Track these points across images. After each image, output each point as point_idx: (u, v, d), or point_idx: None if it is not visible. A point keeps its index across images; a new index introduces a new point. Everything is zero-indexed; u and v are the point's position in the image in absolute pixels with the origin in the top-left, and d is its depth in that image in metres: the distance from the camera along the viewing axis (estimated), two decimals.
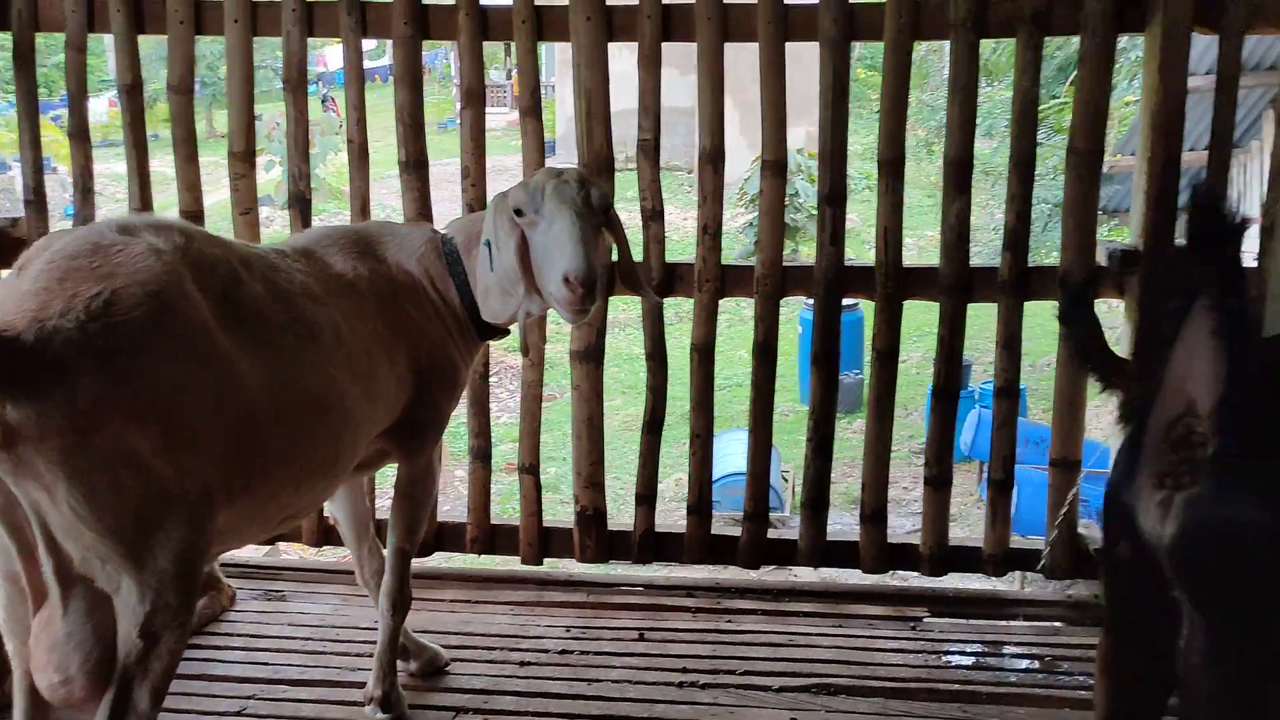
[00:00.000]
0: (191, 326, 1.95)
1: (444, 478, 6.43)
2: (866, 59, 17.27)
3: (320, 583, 3.40)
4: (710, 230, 3.25)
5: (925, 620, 3.25)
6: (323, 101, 19.57)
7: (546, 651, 3.01)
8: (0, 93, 16.25)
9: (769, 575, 3.85)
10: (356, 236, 2.54)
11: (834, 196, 3.22)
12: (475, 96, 3.23)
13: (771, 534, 3.45)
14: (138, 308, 1.85)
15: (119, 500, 1.82)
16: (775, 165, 3.22)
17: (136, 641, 1.88)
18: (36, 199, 3.37)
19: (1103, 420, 5.45)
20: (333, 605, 3.26)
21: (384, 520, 2.73)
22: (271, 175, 11.32)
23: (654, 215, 3.25)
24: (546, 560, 3.51)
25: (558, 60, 17.91)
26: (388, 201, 9.08)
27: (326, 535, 3.44)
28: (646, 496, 3.40)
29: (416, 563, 3.57)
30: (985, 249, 10.64)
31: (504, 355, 9.62)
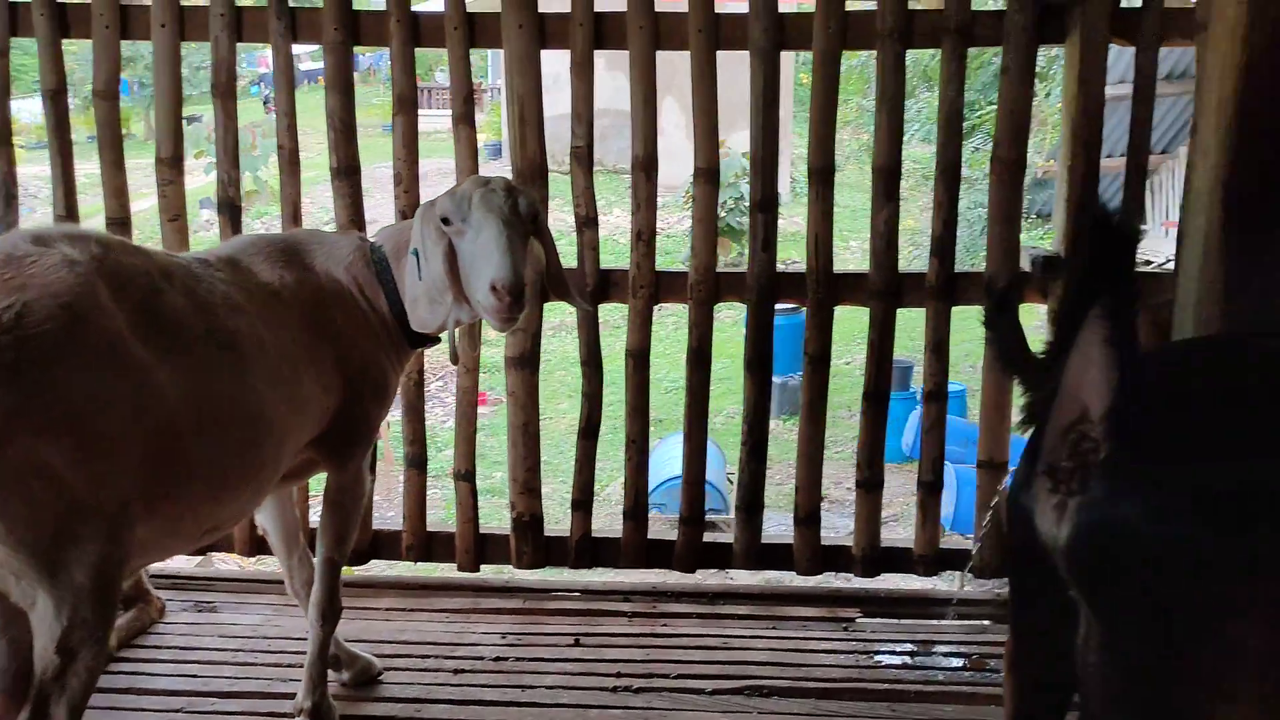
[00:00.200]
0: (106, 337, 1.93)
1: (389, 484, 6.40)
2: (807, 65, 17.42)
3: (252, 593, 3.37)
4: (644, 237, 3.28)
5: (858, 621, 3.29)
6: (265, 103, 19.33)
7: (481, 659, 3.01)
8: None
9: (706, 578, 3.88)
10: (283, 245, 2.53)
11: (766, 203, 3.26)
12: (407, 102, 3.22)
13: (712, 536, 3.49)
14: (49, 320, 1.83)
15: (32, 514, 1.80)
16: (708, 173, 3.25)
17: (53, 658, 1.86)
18: None
19: None
20: (265, 616, 3.23)
21: (316, 529, 2.71)
22: (212, 178, 11.13)
23: (588, 222, 3.26)
24: (484, 567, 3.51)
25: (504, 62, 17.85)
26: (331, 206, 9.00)
27: (260, 545, 3.40)
28: (583, 502, 3.41)
29: (352, 571, 3.59)
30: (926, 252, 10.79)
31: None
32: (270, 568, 3.93)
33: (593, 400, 3.35)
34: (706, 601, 3.40)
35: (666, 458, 5.61)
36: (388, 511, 6.93)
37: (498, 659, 3.01)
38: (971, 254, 10.33)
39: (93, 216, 3.51)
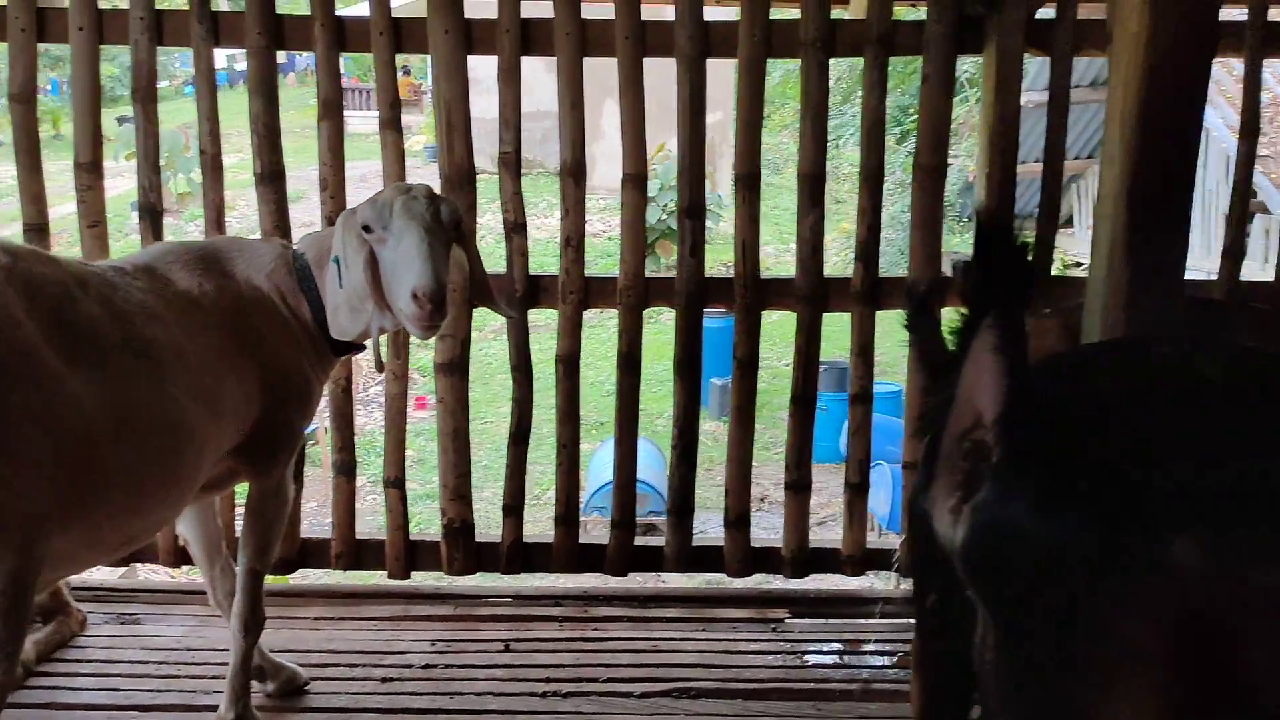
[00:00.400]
0: (16, 349, 1.90)
1: (326, 490, 6.34)
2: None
3: (176, 604, 3.32)
4: (573, 243, 3.29)
5: (787, 621, 3.33)
6: None
7: (410, 666, 3.00)
8: None
9: (638, 582, 3.89)
10: (201, 253, 2.50)
11: (693, 210, 3.29)
12: (332, 107, 3.20)
13: (653, 539, 3.51)
14: None
15: None
16: (635, 179, 3.27)
17: None
18: None
19: None
20: (189, 627, 3.19)
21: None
22: None
23: (516, 228, 3.27)
24: (415, 574, 3.49)
25: (430, 67, 17.78)
26: None
27: (184, 555, 3.36)
28: (514, 507, 3.41)
29: (276, 580, 3.55)
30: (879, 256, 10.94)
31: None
32: (197, 578, 3.88)
33: (523, 406, 3.36)
34: (638, 605, 3.42)
35: (608, 461, 5.62)
36: (327, 518, 6.86)
37: (426, 666, 3.00)
38: (908, 258, 10.47)
39: (11, 223, 3.44)
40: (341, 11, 3.21)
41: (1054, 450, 1.42)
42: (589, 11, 3.17)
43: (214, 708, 2.67)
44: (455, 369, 3.31)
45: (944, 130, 3.22)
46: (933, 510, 1.52)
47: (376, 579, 3.61)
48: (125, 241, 6.57)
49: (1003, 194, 3.18)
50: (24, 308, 1.95)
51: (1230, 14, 3.31)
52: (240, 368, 2.41)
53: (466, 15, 3.16)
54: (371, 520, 4.95)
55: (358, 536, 3.45)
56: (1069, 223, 10.23)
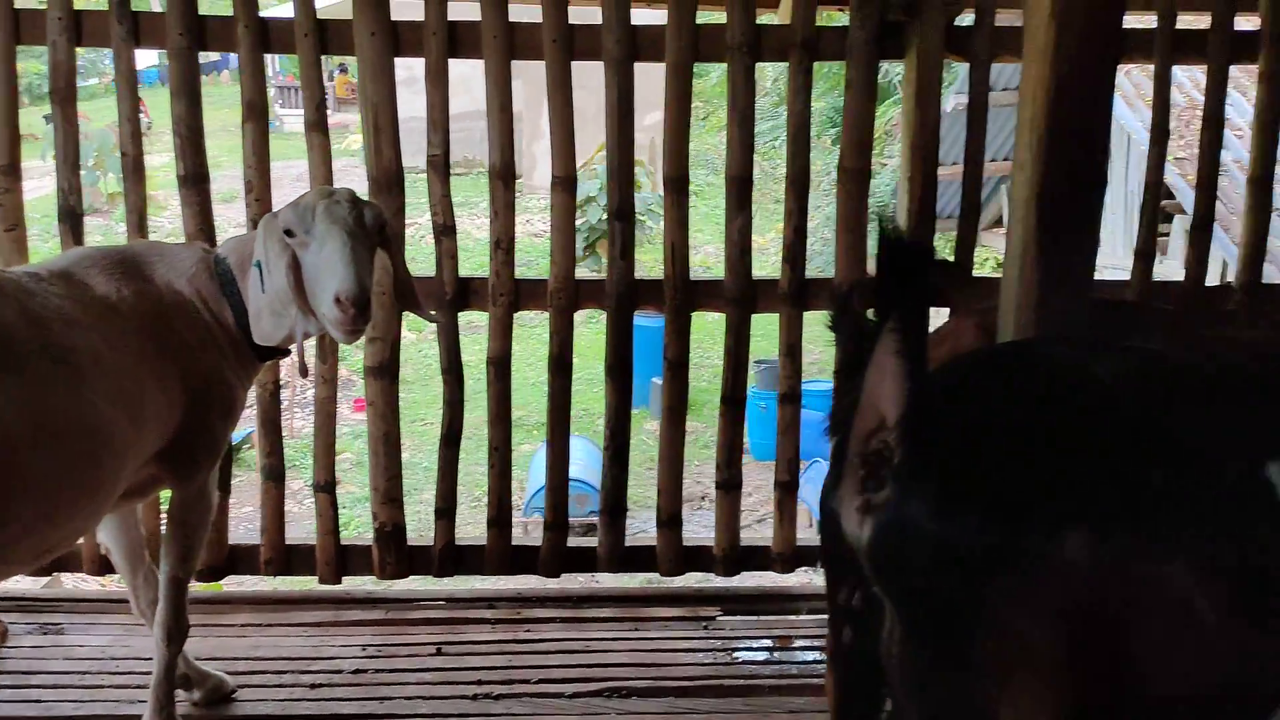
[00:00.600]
0: None
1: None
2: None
3: (101, 613, 3.27)
4: (503, 245, 3.29)
5: (718, 619, 3.38)
6: None
7: (340, 672, 2.99)
8: None
9: (577, 583, 3.91)
10: (120, 257, 2.47)
11: (622, 212, 3.32)
12: (256, 109, 3.17)
13: (589, 540, 3.53)
14: None
15: None
16: (565, 181, 3.29)
17: None
18: None
19: None
20: (114, 636, 3.14)
21: None
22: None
23: (445, 230, 3.26)
24: (347, 579, 3.47)
25: (357, 69, 17.66)
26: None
27: (109, 563, 3.31)
28: (446, 510, 3.41)
29: (207, 588, 3.51)
30: (816, 257, 11.06)
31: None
32: (123, 586, 3.82)
33: (454, 408, 3.35)
34: (572, 606, 3.44)
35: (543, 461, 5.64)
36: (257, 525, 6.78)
37: (357, 671, 2.99)
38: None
39: None
40: (266, 12, 3.19)
41: (952, 451, 1.48)
42: (516, 14, 3.18)
43: (139, 718, 2.64)
44: (385, 372, 3.30)
45: (868, 134, 3.28)
46: (840, 509, 1.57)
47: (309, 584, 3.59)
48: (54, 243, 6.43)
49: (924, 197, 3.25)
50: None
51: (1143, 21, 3.42)
52: (161, 373, 2.39)
53: (393, 17, 3.14)
54: (309, 524, 4.90)
55: (293, 541, 3.43)
56: (999, 223, 10.43)
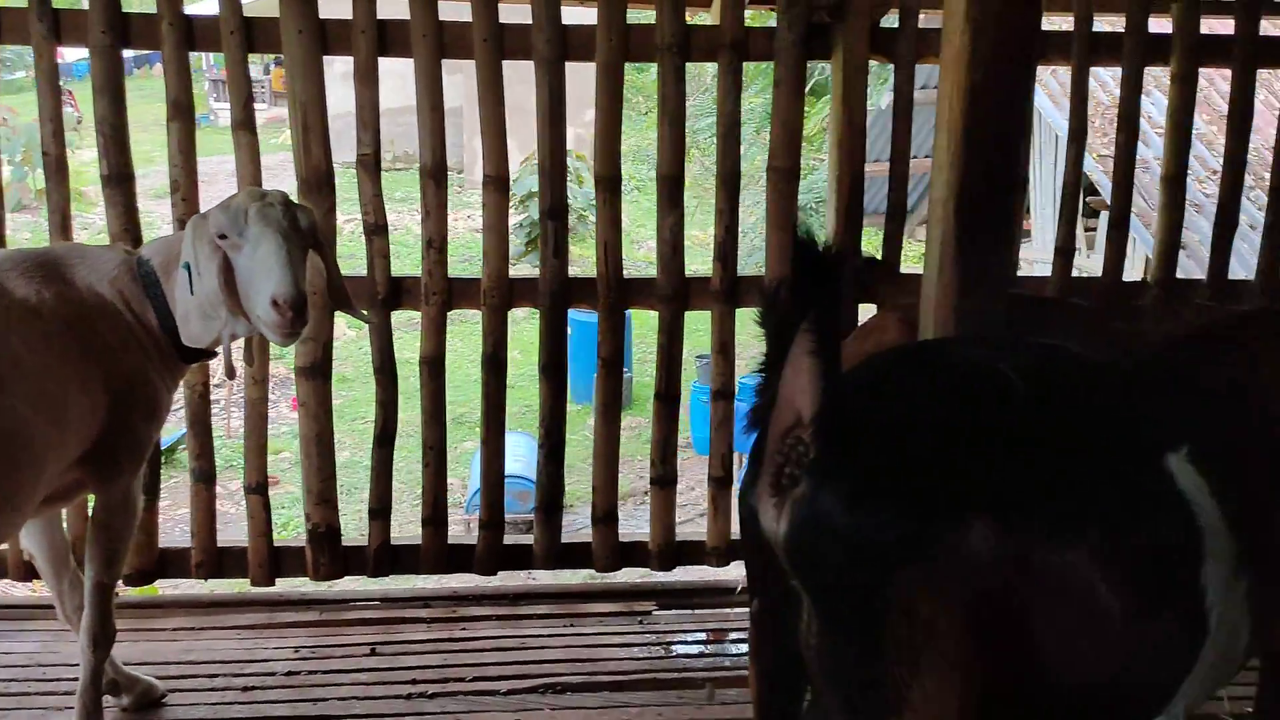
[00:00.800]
0: None
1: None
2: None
3: (28, 620, 3.21)
4: (435, 244, 3.29)
5: (654, 614, 3.41)
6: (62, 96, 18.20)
7: (273, 674, 2.97)
8: None
9: (509, 580, 3.90)
10: (39, 260, 2.43)
11: (555, 211, 3.33)
12: (182, 109, 3.13)
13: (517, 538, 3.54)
14: None
15: None
16: (496, 180, 3.29)
17: None
18: None
19: None
20: (42, 643, 3.09)
21: None
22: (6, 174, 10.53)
23: (377, 229, 3.25)
24: (281, 580, 3.45)
25: (284, 67, 17.47)
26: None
27: (34, 569, 3.25)
28: (381, 510, 3.40)
29: (141, 592, 3.47)
30: (757, 253, 11.16)
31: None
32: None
33: (387, 408, 3.35)
34: (508, 603, 3.45)
35: None
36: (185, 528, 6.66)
37: (290, 673, 2.98)
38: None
39: None
40: (190, 9, 3.15)
41: (864, 447, 1.52)
42: (447, 13, 3.17)
43: None
44: (317, 372, 3.28)
45: (796, 133, 3.33)
46: (758, 505, 1.61)
47: (242, 587, 3.56)
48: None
49: (852, 195, 3.32)
50: None
51: (1061, 23, 3.51)
52: (83, 376, 2.36)
53: (321, 15, 3.12)
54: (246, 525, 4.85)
55: (226, 543, 3.40)
56: None
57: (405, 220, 10.51)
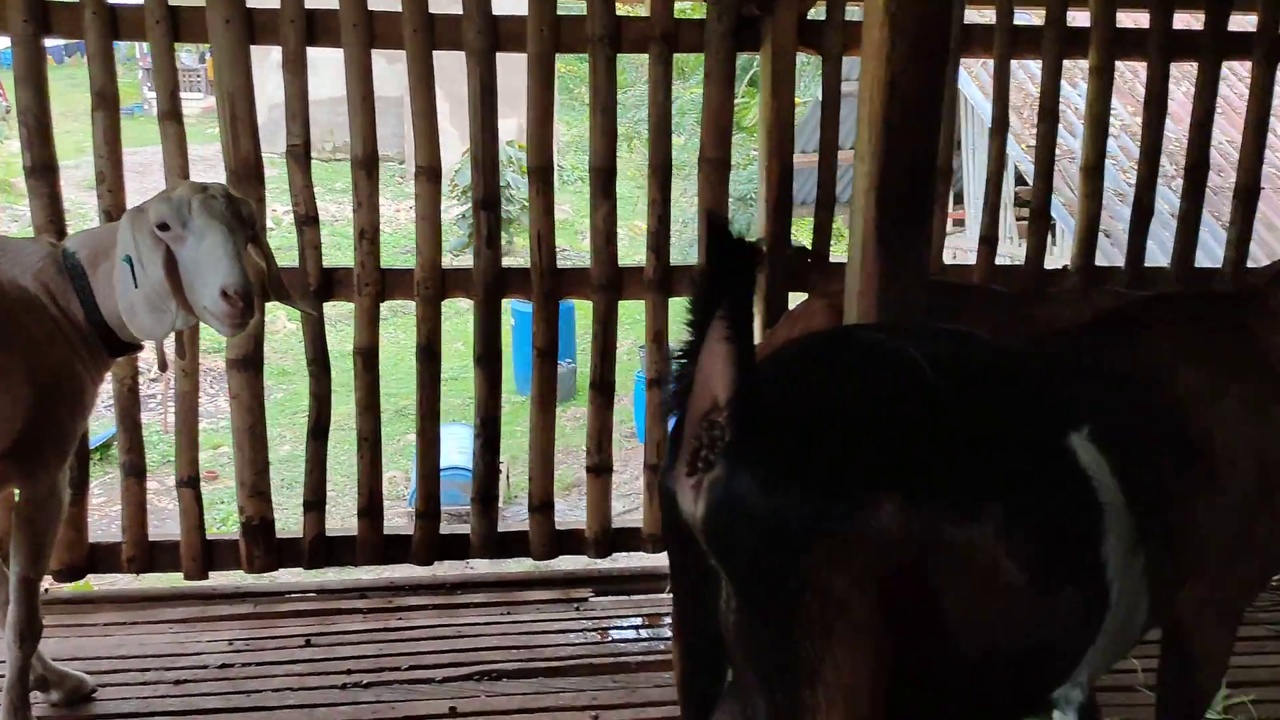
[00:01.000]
0: None
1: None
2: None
3: None
4: (368, 235, 3.29)
5: (590, 600, 3.45)
6: None
7: (206, 667, 2.96)
8: None
9: (445, 570, 3.90)
10: None
11: (488, 201, 3.34)
12: (107, 99, 3.09)
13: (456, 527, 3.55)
14: None
15: None
16: (429, 171, 3.30)
17: None
18: None
19: None
20: None
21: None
22: None
23: (308, 221, 3.24)
24: (215, 574, 3.43)
25: (211, 57, 17.20)
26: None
27: None
28: (315, 502, 3.39)
29: (76, 588, 3.43)
30: (695, 243, 11.21)
31: (204, 359, 9.17)
32: None
33: (321, 401, 3.34)
34: (445, 593, 3.47)
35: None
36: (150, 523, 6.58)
37: (223, 666, 2.97)
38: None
39: None
40: None
41: (777, 429, 1.57)
42: (377, 2, 3.17)
43: None
44: (249, 365, 3.26)
45: (726, 124, 3.38)
46: (677, 488, 1.65)
47: (176, 581, 3.53)
48: None
49: (781, 185, 3.37)
50: None
51: (983, 16, 3.59)
52: (6, 370, 2.33)
53: (249, 4, 3.10)
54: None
55: (159, 537, 3.37)
56: None
57: (345, 210, 10.41)
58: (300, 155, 3.20)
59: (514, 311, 10.08)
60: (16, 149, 3.14)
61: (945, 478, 1.57)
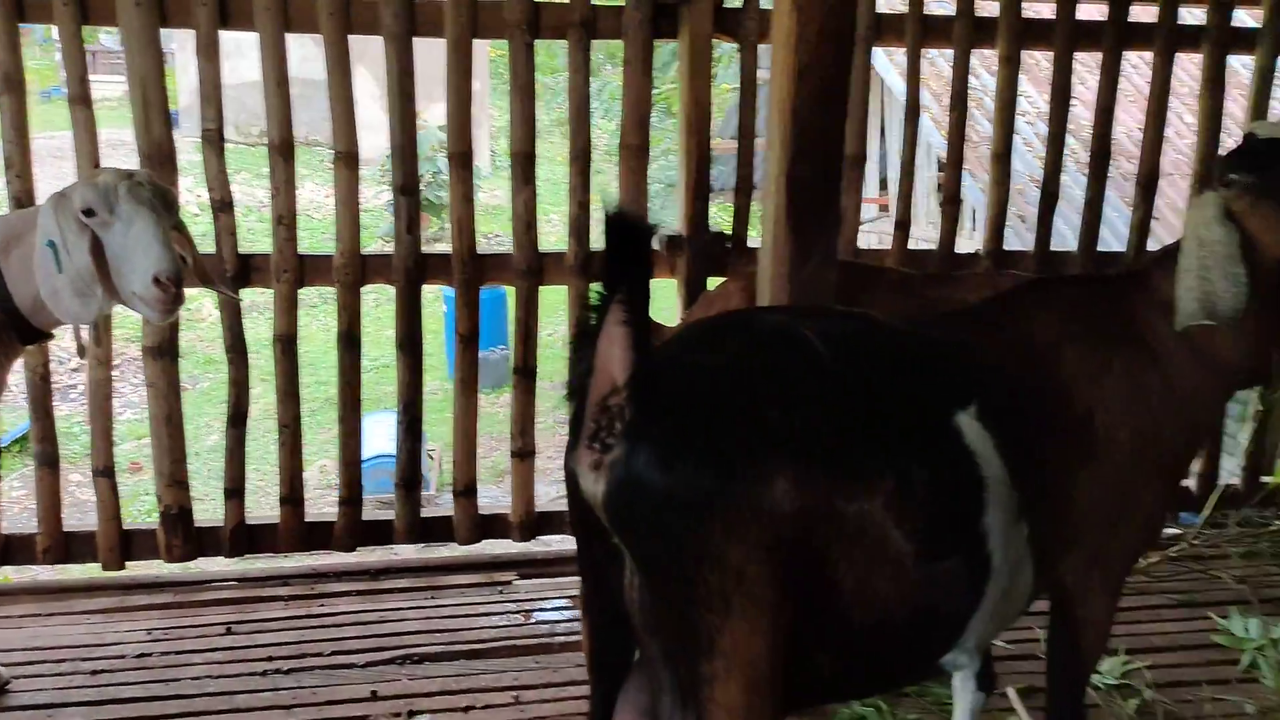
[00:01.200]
0: None
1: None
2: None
3: None
4: (285, 221, 3.27)
5: (515, 583, 3.48)
6: None
7: (123, 657, 2.94)
8: None
9: (369, 556, 3.90)
10: None
11: (407, 188, 3.34)
12: (14, 83, 3.03)
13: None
14: None
15: None
16: (348, 157, 3.29)
17: None
18: None
19: None
20: None
21: None
22: None
23: (223, 206, 3.21)
24: (134, 564, 3.40)
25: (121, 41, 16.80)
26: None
27: None
28: (235, 490, 3.38)
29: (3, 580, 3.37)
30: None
31: (125, 347, 9.00)
32: None
33: (240, 387, 3.32)
34: (368, 578, 3.47)
35: (366, 436, 5.58)
36: (74, 514, 6.45)
37: (141, 656, 2.95)
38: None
39: None
40: None
41: (674, 409, 1.61)
42: None
43: None
44: (164, 352, 3.23)
45: (646, 111, 3.41)
46: (579, 468, 1.68)
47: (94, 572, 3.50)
48: None
49: (699, 171, 3.42)
50: None
51: (897, 6, 3.67)
52: None
53: None
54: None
55: (75, 528, 3.33)
56: None
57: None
58: (214, 140, 3.17)
59: (446, 299, 10.07)
60: None
61: (837, 453, 1.63)
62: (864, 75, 3.49)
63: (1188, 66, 5.95)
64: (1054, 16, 3.61)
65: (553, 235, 10.94)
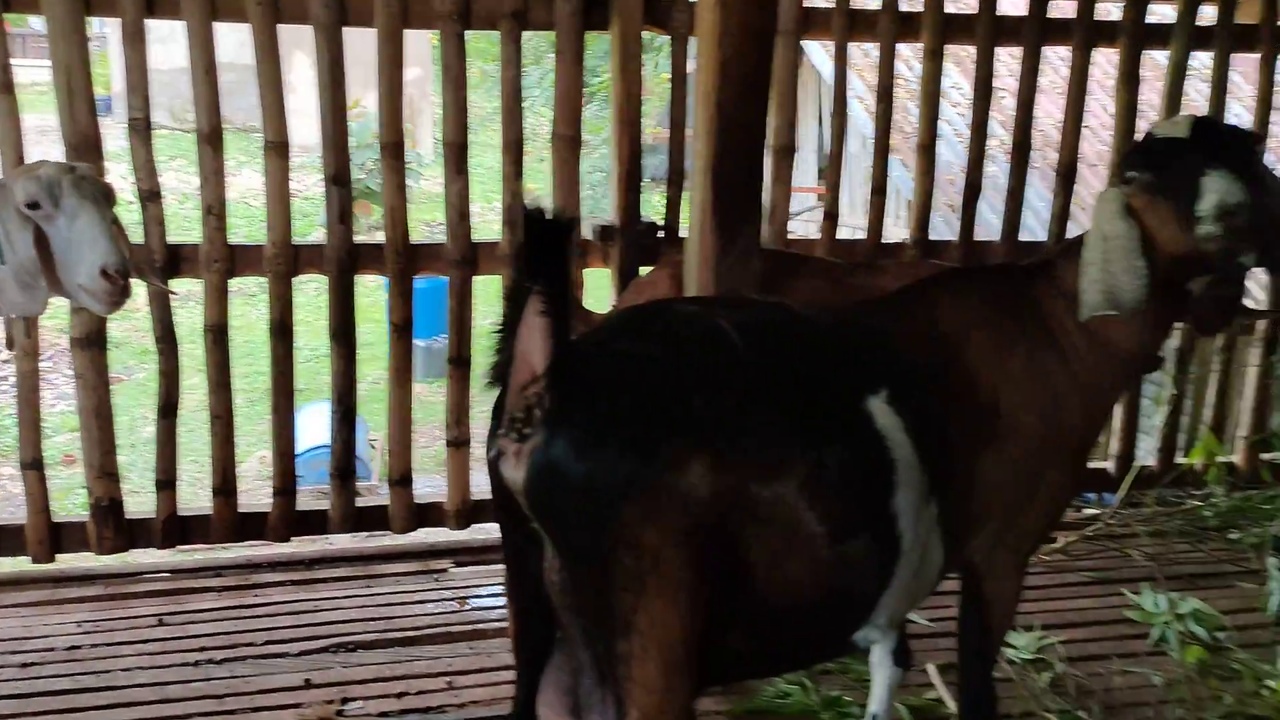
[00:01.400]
0: None
1: None
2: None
3: None
4: (214, 210, 3.25)
5: (450, 571, 3.51)
6: None
7: (53, 650, 2.93)
8: None
9: (304, 546, 3.90)
10: None
11: (339, 178, 3.34)
12: None
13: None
14: None
15: None
16: (278, 146, 3.27)
17: None
18: None
19: None
20: None
21: None
22: None
23: (151, 196, 3.19)
24: (65, 556, 3.37)
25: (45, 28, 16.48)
26: None
27: None
28: (167, 482, 3.36)
29: None
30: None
31: (58, 338, 8.84)
32: None
33: (170, 378, 3.31)
34: (303, 568, 3.48)
35: (304, 427, 5.55)
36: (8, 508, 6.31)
37: (71, 648, 2.93)
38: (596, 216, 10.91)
39: None
40: None
41: (592, 397, 1.66)
42: None
43: None
44: (93, 343, 3.21)
45: (577, 102, 3.44)
46: (500, 456, 1.72)
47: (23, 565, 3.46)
48: None
49: (631, 161, 3.46)
50: None
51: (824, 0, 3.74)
52: None
53: None
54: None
55: (5, 521, 3.30)
56: None
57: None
58: (141, 129, 3.14)
59: (385, 287, 10.01)
60: None
61: (751, 438, 1.69)
62: (792, 68, 3.56)
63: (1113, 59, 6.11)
64: (976, 12, 3.71)
65: (496, 224, 10.88)
